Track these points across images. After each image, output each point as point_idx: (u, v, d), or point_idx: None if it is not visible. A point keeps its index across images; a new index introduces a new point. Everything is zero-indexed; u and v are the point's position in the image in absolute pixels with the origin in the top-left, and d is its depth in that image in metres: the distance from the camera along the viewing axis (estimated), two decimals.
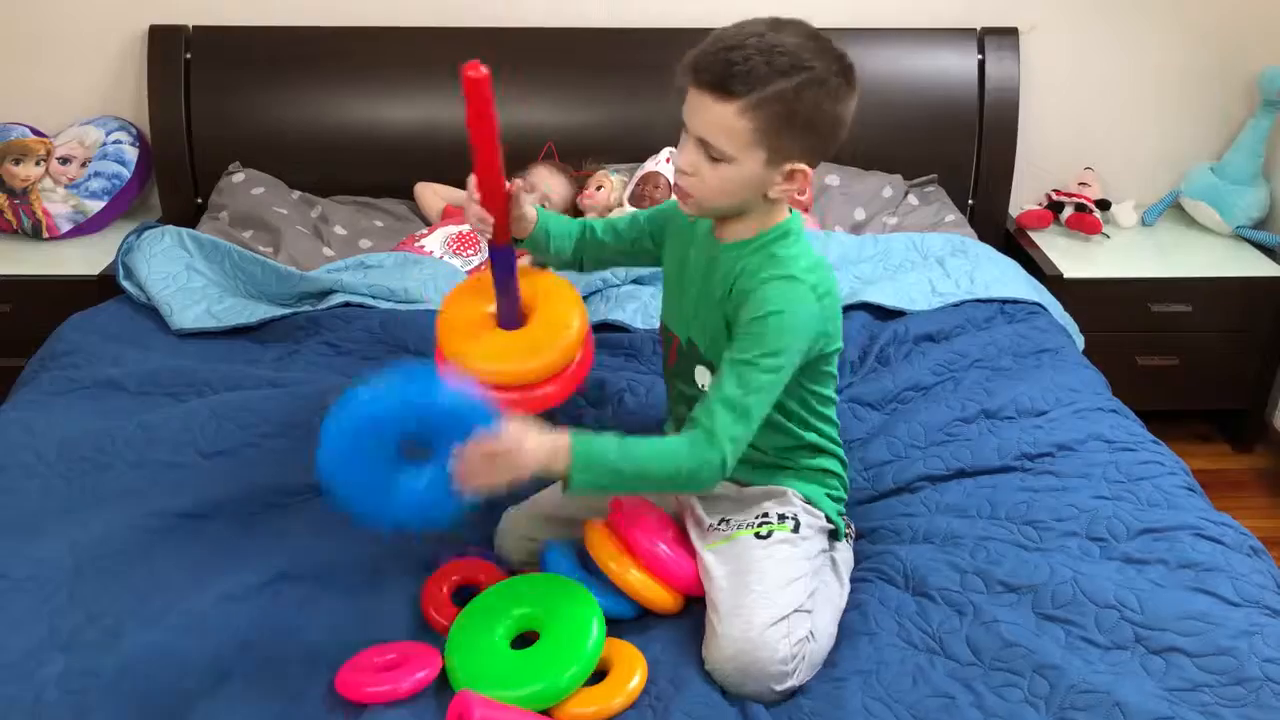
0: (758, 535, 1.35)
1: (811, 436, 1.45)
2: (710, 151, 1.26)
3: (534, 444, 1.20)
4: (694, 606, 1.36)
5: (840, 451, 1.50)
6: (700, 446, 1.25)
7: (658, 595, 1.34)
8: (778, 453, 1.44)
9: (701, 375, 1.42)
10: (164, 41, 2.57)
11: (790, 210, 1.38)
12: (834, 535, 1.45)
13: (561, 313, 1.41)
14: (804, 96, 1.23)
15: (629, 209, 2.40)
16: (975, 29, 2.64)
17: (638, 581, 1.33)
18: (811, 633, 1.27)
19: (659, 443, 1.28)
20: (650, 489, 1.35)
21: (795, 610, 1.27)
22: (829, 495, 1.47)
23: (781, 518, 1.38)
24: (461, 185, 2.55)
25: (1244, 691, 1.18)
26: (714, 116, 1.24)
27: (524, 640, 1.27)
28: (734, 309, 1.33)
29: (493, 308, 1.40)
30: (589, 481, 1.23)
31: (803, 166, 1.28)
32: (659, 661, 1.26)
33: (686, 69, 1.27)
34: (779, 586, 1.28)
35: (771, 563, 1.31)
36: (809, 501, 1.43)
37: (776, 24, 1.26)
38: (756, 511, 1.40)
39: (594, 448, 1.23)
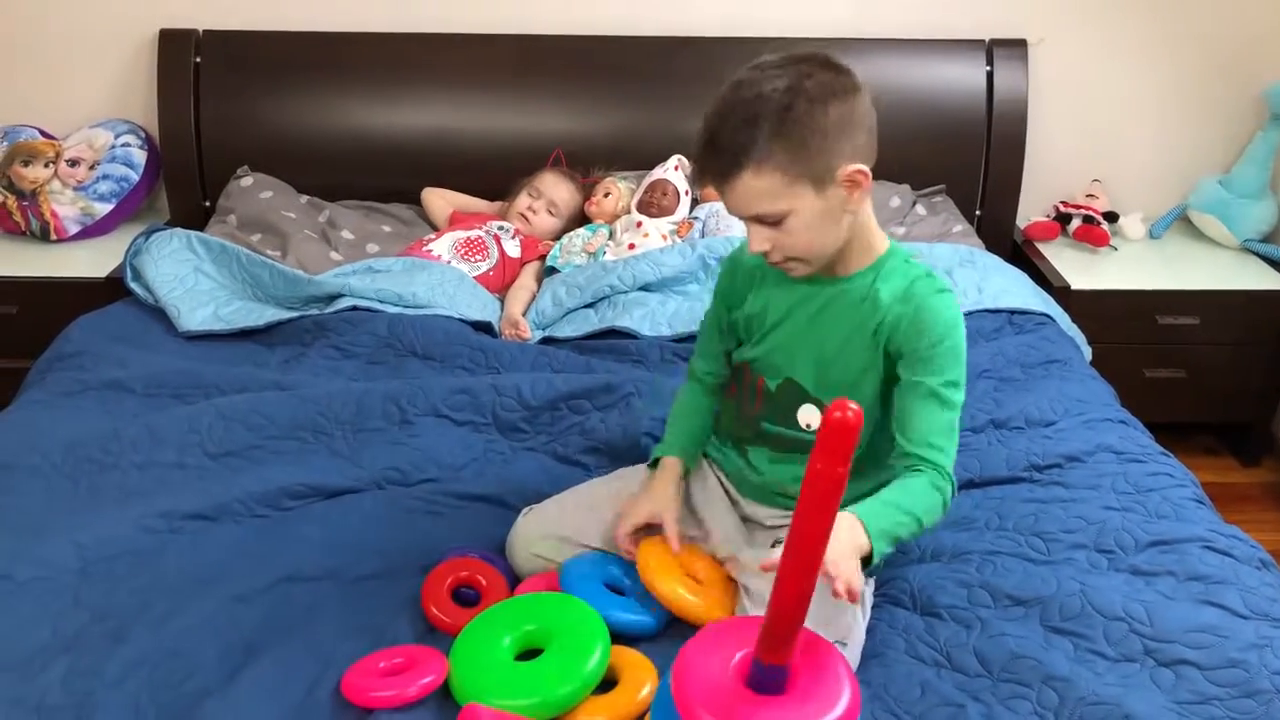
0: None
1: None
2: (768, 220, 1.26)
3: (851, 554, 1.18)
4: None
5: None
6: (942, 483, 1.29)
7: (702, 612, 1.33)
8: (859, 493, 1.40)
9: (807, 415, 1.38)
10: (174, 45, 2.58)
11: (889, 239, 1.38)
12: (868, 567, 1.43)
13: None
14: (796, 118, 1.20)
15: (636, 216, 2.40)
16: (984, 40, 2.64)
17: (685, 600, 1.33)
18: None
19: (915, 492, 1.28)
20: (921, 532, 1.30)
21: (835, 641, 1.22)
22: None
23: None
24: (469, 190, 2.60)
25: (1254, 704, 1.17)
26: (744, 194, 1.24)
27: (530, 656, 1.26)
28: (901, 336, 1.31)
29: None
30: (885, 549, 1.23)
31: (854, 167, 1.24)
32: (669, 670, 1.24)
33: (697, 180, 1.31)
34: (829, 616, 1.25)
35: (827, 589, 1.27)
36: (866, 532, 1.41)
37: (734, 85, 1.24)
38: None
39: (883, 525, 1.23)
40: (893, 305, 1.31)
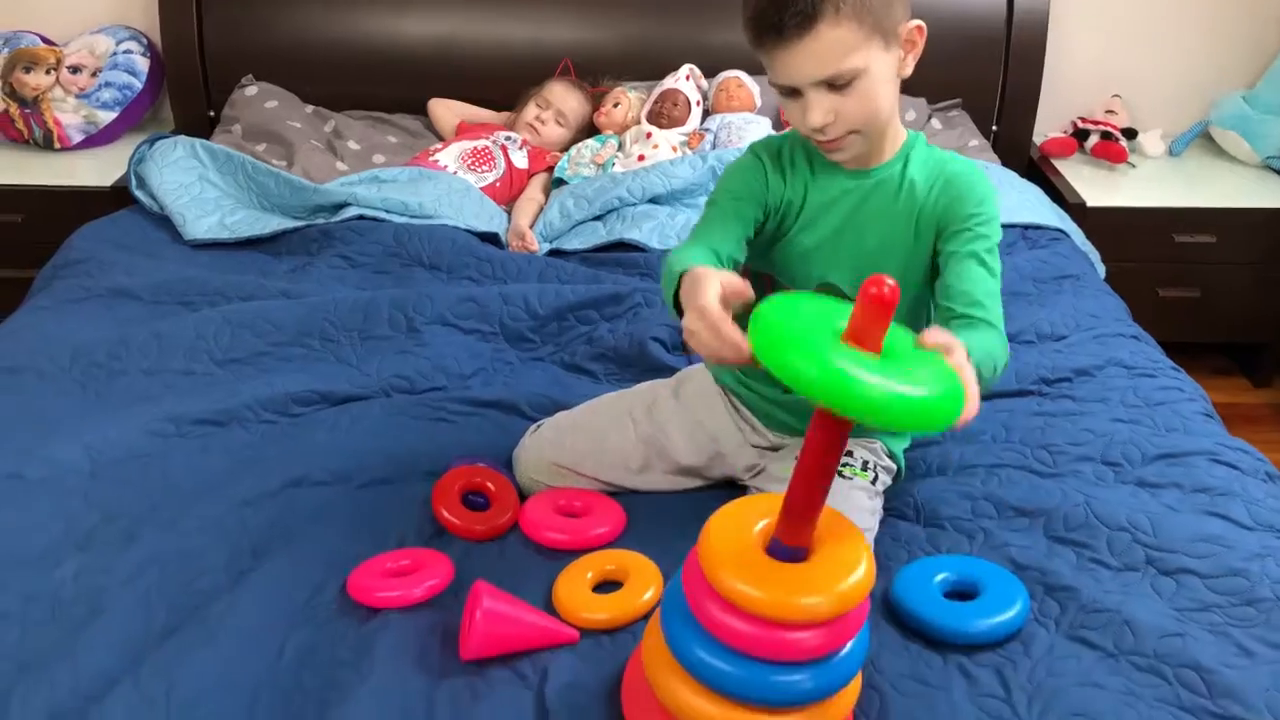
0: (840, 475, 1.31)
1: None
2: (838, 82, 1.16)
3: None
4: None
5: None
6: (1001, 338, 1.22)
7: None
8: None
9: None
10: None
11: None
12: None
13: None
14: None
15: (646, 127, 2.36)
16: None
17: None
18: None
19: (981, 338, 1.18)
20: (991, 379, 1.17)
21: None
22: (903, 449, 1.44)
23: (865, 465, 1.35)
24: (476, 101, 2.56)
25: (1255, 612, 1.18)
26: (819, 49, 1.14)
27: None
28: (942, 213, 1.27)
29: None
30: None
31: (915, 23, 1.20)
32: (673, 574, 1.25)
33: (760, 36, 1.16)
34: None
35: (849, 508, 1.27)
36: (889, 453, 1.41)
37: None
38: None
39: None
40: (930, 188, 1.28)
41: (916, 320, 1.34)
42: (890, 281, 0.85)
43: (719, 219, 1.29)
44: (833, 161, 1.28)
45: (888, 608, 1.22)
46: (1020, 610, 1.19)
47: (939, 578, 1.24)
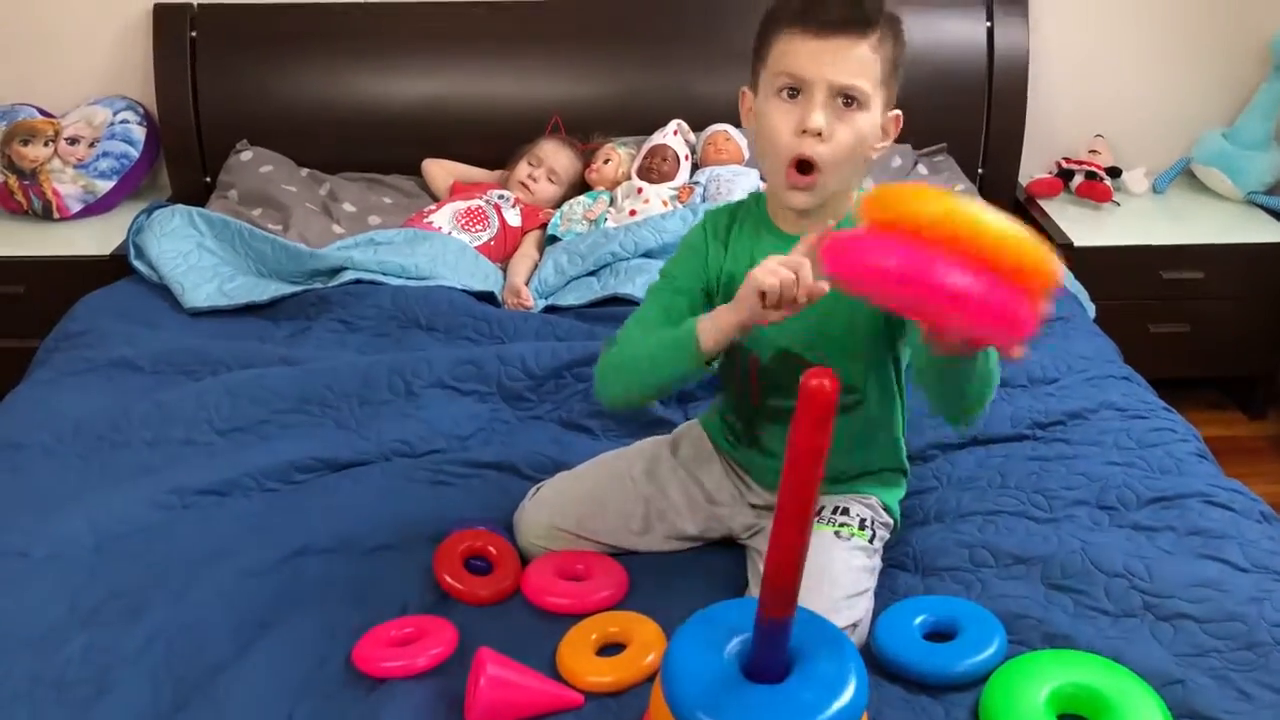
0: (837, 534, 1.32)
1: (904, 433, 1.43)
2: (849, 94, 1.19)
3: None
4: (715, 590, 1.35)
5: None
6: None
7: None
8: (875, 459, 1.41)
9: None
10: (169, 20, 2.56)
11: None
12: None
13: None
14: (900, 31, 1.23)
15: (636, 182, 2.40)
16: None
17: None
18: None
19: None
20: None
21: (850, 625, 1.24)
22: (899, 500, 1.45)
23: (862, 524, 1.35)
24: (469, 159, 2.60)
25: (1254, 656, 1.18)
26: (856, 57, 1.18)
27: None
28: None
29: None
30: None
31: (897, 111, 1.26)
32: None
33: (800, 13, 1.18)
34: (847, 597, 1.26)
35: (847, 570, 1.29)
36: (886, 508, 1.41)
37: None
38: (838, 505, 1.36)
39: None
40: None
41: (882, 369, 1.35)
42: (829, 378, 0.84)
43: (659, 312, 1.34)
44: (792, 205, 1.26)
45: (870, 653, 1.23)
46: (998, 648, 1.20)
47: (918, 620, 1.25)
